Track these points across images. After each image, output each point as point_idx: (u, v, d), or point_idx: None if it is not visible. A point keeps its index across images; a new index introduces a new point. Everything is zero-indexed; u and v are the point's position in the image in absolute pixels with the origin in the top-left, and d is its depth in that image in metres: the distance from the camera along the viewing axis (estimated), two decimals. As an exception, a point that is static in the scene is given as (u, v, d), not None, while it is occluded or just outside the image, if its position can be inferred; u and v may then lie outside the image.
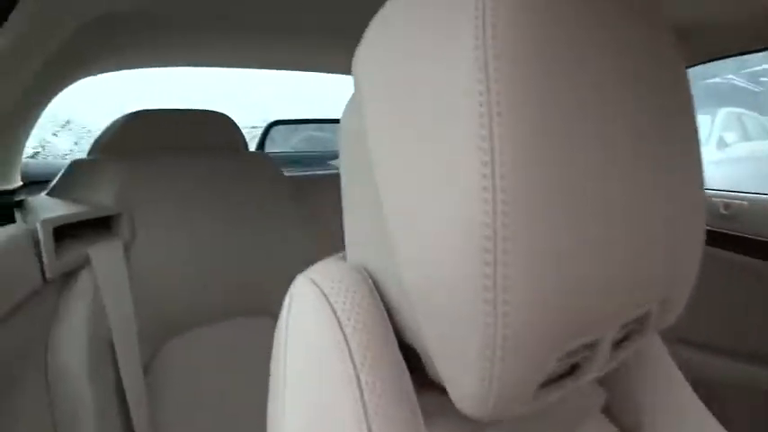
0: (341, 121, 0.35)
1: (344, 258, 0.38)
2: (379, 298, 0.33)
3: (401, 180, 0.26)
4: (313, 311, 0.32)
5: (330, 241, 1.14)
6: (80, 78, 1.05)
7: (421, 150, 0.25)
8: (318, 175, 1.36)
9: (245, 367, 1.00)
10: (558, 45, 0.24)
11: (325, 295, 0.32)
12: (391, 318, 0.32)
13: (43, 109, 1.02)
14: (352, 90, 0.32)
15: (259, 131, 1.69)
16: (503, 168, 0.22)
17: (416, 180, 0.25)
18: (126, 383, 0.84)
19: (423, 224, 0.25)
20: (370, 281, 0.33)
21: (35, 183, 1.14)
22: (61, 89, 1.03)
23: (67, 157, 1.49)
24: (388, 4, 0.28)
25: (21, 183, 1.10)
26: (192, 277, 0.97)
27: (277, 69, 1.36)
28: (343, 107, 0.35)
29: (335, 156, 1.77)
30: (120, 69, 1.13)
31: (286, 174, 1.14)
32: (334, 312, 0.31)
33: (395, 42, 0.27)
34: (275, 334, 0.35)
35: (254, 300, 1.05)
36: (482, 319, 0.23)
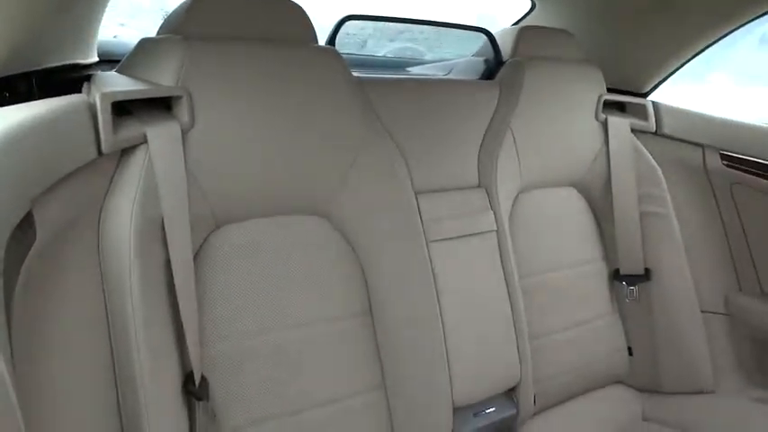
0: None
1: None
2: None
3: None
4: None
5: (395, 150, 1.11)
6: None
7: None
8: (392, 79, 1.29)
9: (293, 263, 1.02)
10: None
11: None
12: None
13: None
14: None
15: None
16: None
17: None
18: (174, 264, 0.84)
19: None
20: None
21: (115, 61, 1.15)
22: None
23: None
24: None
25: (97, 59, 1.13)
26: (248, 169, 0.96)
27: None
28: None
29: (416, 63, 1.70)
30: None
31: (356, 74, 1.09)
32: None
33: None
34: None
35: (307, 199, 1.05)
36: None
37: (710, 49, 1.45)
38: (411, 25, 1.47)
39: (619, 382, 1.46)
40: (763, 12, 1.28)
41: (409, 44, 1.88)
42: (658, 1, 1.31)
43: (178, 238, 0.85)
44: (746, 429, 1.24)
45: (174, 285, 0.84)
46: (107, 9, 1.06)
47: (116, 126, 0.80)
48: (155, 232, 0.83)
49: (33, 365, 0.67)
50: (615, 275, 1.43)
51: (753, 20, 1.32)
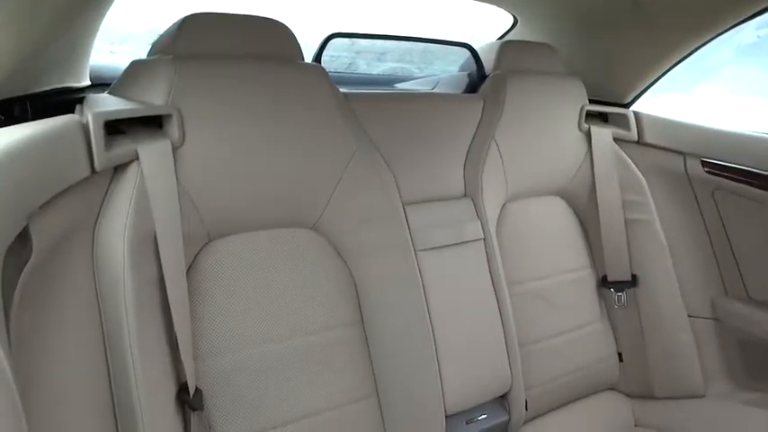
0: None
1: None
2: None
3: None
4: None
5: (382, 162, 1.14)
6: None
7: None
8: (378, 94, 1.32)
9: (284, 276, 1.04)
10: None
11: None
12: None
13: (108, 6, 1.04)
14: None
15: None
16: None
17: None
18: (167, 278, 0.86)
19: None
20: None
21: (107, 84, 1.18)
22: None
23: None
24: None
25: (89, 82, 1.15)
26: (238, 183, 0.98)
27: None
28: None
29: (404, 79, 1.74)
30: None
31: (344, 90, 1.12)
32: None
33: None
34: None
35: (297, 212, 1.07)
36: None
37: (699, 62, 1.48)
38: (398, 43, 1.51)
39: (610, 388, 1.47)
40: (737, 21, 1.32)
41: (399, 64, 1.90)
42: (635, 14, 1.35)
43: (171, 252, 0.87)
44: None
45: (167, 299, 0.86)
46: (99, 36, 1.09)
47: (108, 144, 0.83)
48: (148, 247, 0.85)
49: (30, 377, 0.69)
50: (603, 282, 1.45)
51: (728, 29, 1.35)
